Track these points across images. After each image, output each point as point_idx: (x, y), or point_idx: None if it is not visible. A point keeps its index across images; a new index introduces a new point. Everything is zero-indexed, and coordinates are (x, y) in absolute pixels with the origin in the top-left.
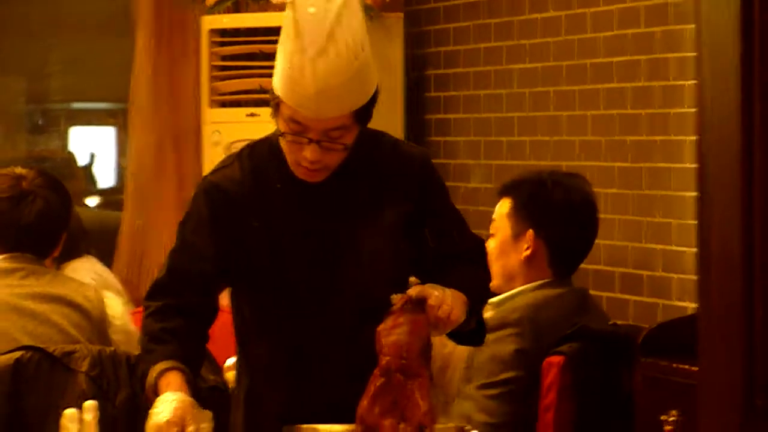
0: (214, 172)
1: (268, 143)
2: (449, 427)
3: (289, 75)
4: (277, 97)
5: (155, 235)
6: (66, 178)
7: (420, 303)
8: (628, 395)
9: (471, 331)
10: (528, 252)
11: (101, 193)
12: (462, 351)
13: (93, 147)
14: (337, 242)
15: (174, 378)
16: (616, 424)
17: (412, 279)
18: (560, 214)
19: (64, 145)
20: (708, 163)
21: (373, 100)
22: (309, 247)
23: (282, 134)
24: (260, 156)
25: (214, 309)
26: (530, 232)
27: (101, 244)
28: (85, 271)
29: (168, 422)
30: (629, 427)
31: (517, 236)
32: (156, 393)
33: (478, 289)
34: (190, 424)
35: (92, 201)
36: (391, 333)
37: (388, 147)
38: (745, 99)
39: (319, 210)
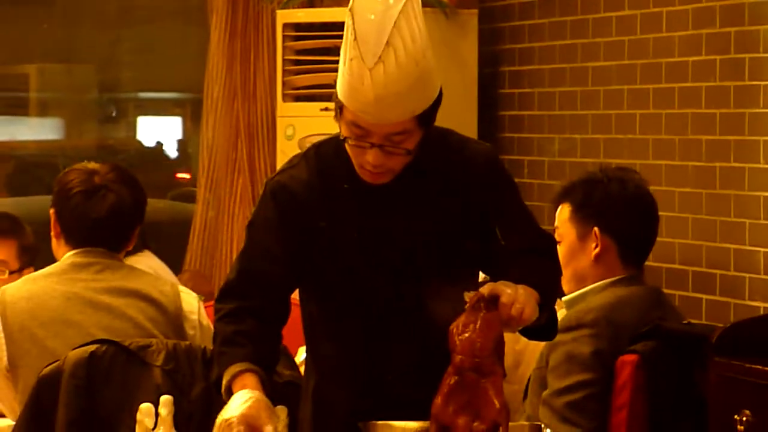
0: (281, 172)
1: (335, 143)
2: (524, 425)
3: (349, 81)
4: (340, 102)
5: (227, 228)
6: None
7: (493, 301)
8: (701, 395)
9: (542, 326)
10: (597, 250)
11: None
12: (534, 347)
13: (160, 137)
14: (404, 242)
15: (249, 380)
16: (689, 424)
17: (483, 277)
18: (621, 205)
19: (133, 134)
20: None
21: (437, 103)
22: (376, 247)
23: (345, 139)
24: (326, 156)
25: (286, 309)
26: (595, 229)
27: (172, 236)
28: (142, 266)
29: (238, 418)
30: (702, 426)
31: (582, 237)
32: (230, 396)
33: (548, 283)
34: (266, 423)
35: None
36: (464, 331)
37: (455, 146)
38: None
39: (387, 210)
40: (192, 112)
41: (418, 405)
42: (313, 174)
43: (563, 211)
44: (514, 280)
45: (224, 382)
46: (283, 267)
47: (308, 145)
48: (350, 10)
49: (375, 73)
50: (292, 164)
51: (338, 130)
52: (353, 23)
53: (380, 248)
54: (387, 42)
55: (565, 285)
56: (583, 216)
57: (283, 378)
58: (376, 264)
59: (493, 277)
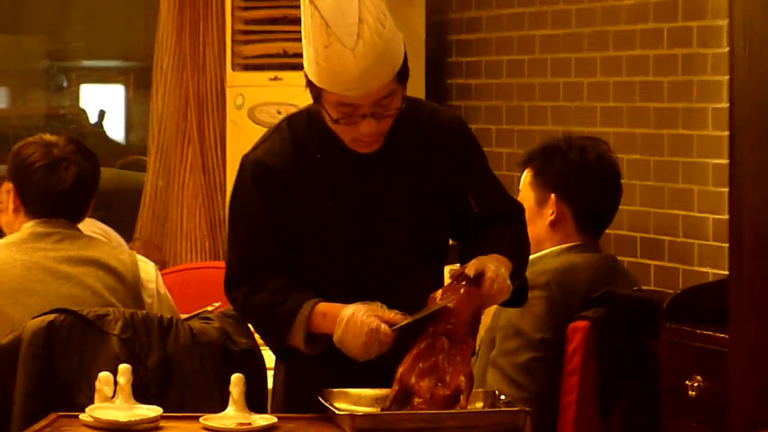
0: (255, 148)
1: (306, 114)
2: (477, 391)
3: (327, 66)
4: (318, 89)
5: (177, 197)
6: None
7: (476, 277)
8: (652, 360)
9: (514, 292)
10: (552, 216)
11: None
12: (488, 310)
13: (103, 105)
14: (377, 209)
15: (325, 306)
16: (640, 390)
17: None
18: (578, 175)
19: (76, 102)
20: (739, 132)
21: (405, 56)
22: (350, 216)
23: (336, 121)
24: (299, 128)
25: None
26: (552, 196)
27: (123, 204)
28: (90, 230)
29: (372, 320)
30: (653, 392)
31: (540, 203)
32: (314, 334)
33: (520, 251)
34: (387, 311)
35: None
36: (443, 299)
37: (426, 114)
38: None
39: (360, 179)
40: (136, 81)
41: (386, 374)
42: (287, 146)
43: (526, 176)
44: (487, 247)
45: (298, 331)
46: (274, 243)
47: (259, 115)
48: (309, 2)
49: (356, 50)
50: (264, 138)
51: (287, 99)
52: (319, 13)
53: (354, 216)
54: (359, 18)
55: None
56: (542, 182)
57: (240, 346)
58: (350, 232)
59: (464, 244)
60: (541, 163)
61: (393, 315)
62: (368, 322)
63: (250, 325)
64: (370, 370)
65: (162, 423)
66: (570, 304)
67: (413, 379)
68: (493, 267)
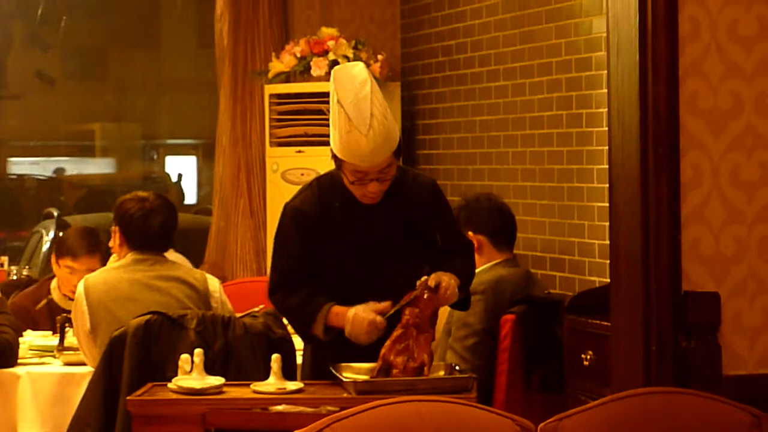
0: (294, 198)
1: (330, 176)
2: (440, 364)
3: (347, 145)
4: (340, 160)
5: (233, 234)
6: (162, 192)
7: (435, 287)
8: (559, 341)
9: (461, 301)
10: (476, 245)
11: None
12: (444, 310)
13: (181, 170)
14: (378, 244)
15: (336, 308)
16: (551, 361)
17: (426, 269)
18: (480, 211)
19: (162, 168)
20: (615, 184)
21: (400, 139)
22: (360, 248)
23: (352, 182)
24: (324, 186)
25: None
26: (470, 233)
27: (197, 239)
28: (172, 258)
29: (371, 317)
30: (560, 362)
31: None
32: (329, 327)
33: (467, 273)
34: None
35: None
36: (412, 303)
37: (408, 178)
38: (642, 142)
39: (367, 221)
40: (204, 153)
41: (376, 355)
42: (316, 198)
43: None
44: (445, 269)
45: (318, 328)
46: (305, 263)
47: (288, 176)
48: (338, 102)
49: (369, 135)
50: (301, 192)
51: (308, 165)
52: (344, 110)
53: (361, 247)
54: (371, 113)
55: None
56: (463, 224)
57: (277, 335)
58: (359, 260)
59: (433, 267)
60: (457, 216)
61: (383, 305)
62: (367, 317)
63: (285, 320)
64: (367, 352)
65: (224, 389)
66: (501, 304)
67: (392, 357)
68: (447, 279)
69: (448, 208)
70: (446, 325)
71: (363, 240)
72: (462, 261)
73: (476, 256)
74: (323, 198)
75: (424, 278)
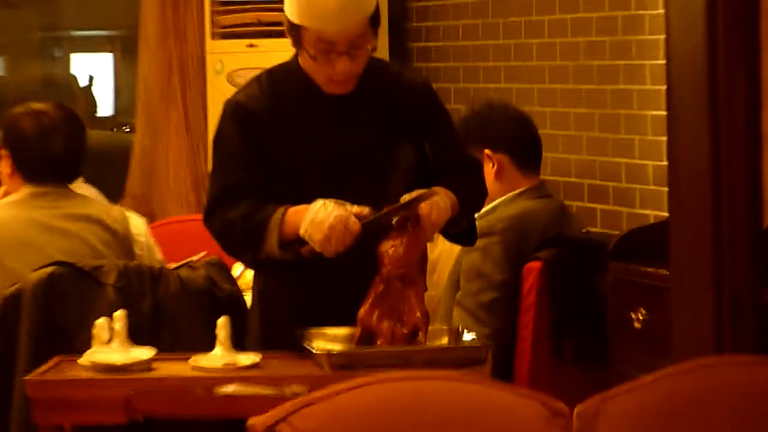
0: (237, 93)
1: (285, 67)
2: (443, 329)
3: (308, 4)
4: (298, 27)
5: (163, 155)
6: (67, 100)
7: (417, 219)
8: (600, 296)
9: (463, 232)
10: (495, 167)
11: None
12: (447, 256)
13: (92, 71)
14: (350, 154)
15: (299, 206)
16: (588, 322)
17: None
18: (496, 123)
19: (67, 69)
20: (675, 86)
21: (378, 6)
22: (324, 154)
23: (313, 57)
24: (277, 77)
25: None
26: (486, 151)
27: (114, 163)
28: (79, 190)
29: (339, 213)
30: (601, 324)
31: (484, 163)
32: (287, 241)
33: (471, 195)
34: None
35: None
36: (392, 246)
37: (392, 76)
38: (710, 29)
39: (333, 124)
40: (123, 49)
41: (352, 314)
42: (267, 92)
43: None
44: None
45: (275, 234)
46: (254, 174)
47: (237, 79)
48: None
49: None
50: (247, 85)
51: (263, 64)
52: None
53: (328, 158)
54: None
55: None
56: (473, 145)
57: (225, 292)
58: (323, 172)
59: (425, 187)
60: (465, 129)
61: (361, 209)
62: (337, 210)
63: (225, 246)
64: (340, 309)
65: (155, 364)
66: (525, 246)
67: (374, 322)
68: (428, 196)
69: (446, 114)
70: (452, 275)
71: (330, 148)
72: (462, 181)
73: (495, 181)
74: (276, 92)
75: (394, 206)
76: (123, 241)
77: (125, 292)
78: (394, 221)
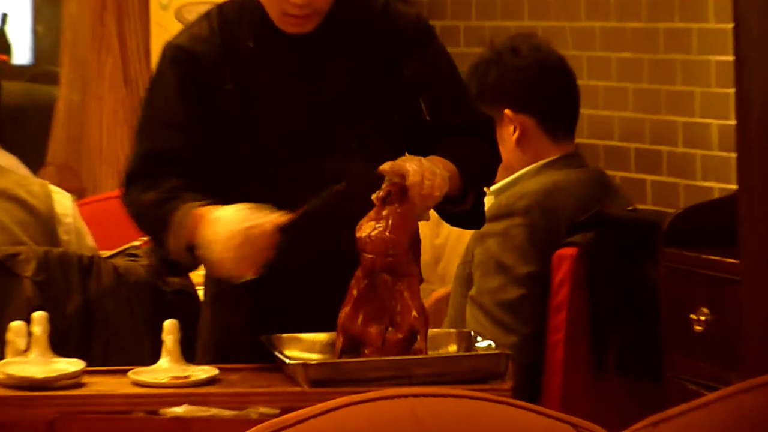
0: (180, 34)
1: (239, 2)
2: (450, 332)
3: None
4: None
5: (95, 113)
6: None
7: (403, 192)
8: (650, 291)
9: (468, 211)
10: (516, 133)
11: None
12: (456, 240)
13: (5, 8)
14: (320, 107)
15: (203, 207)
16: (637, 325)
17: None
18: (523, 77)
19: None
20: (746, 24)
21: None
22: (289, 114)
23: None
24: (230, 15)
25: (204, 185)
26: (506, 111)
27: (33, 123)
28: None
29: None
30: (653, 327)
31: (498, 124)
32: (194, 247)
33: (478, 162)
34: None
35: None
36: (374, 228)
37: (378, 7)
38: None
39: (299, 71)
40: None
41: (329, 314)
42: (215, 33)
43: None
44: (437, 155)
45: (180, 237)
46: (190, 138)
47: (187, 15)
48: None
49: None
50: (192, 25)
51: None
52: None
53: (293, 114)
54: None
55: None
56: (488, 102)
57: (172, 286)
58: (288, 135)
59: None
60: (476, 83)
61: (281, 216)
62: (246, 218)
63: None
64: (311, 308)
65: (85, 379)
66: (555, 229)
67: (359, 326)
68: (414, 165)
69: (444, 58)
70: (463, 266)
71: (295, 102)
72: (468, 144)
73: (516, 149)
74: (227, 33)
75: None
76: (45, 222)
77: (47, 287)
78: (374, 197)
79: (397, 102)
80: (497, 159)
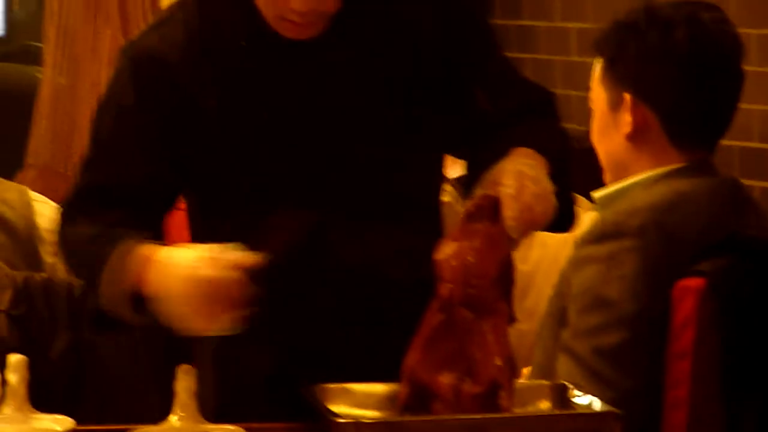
0: (145, 33)
1: None
2: (542, 384)
3: None
4: None
5: (88, 101)
6: None
7: (495, 209)
8: None
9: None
10: (630, 126)
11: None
12: (549, 267)
13: None
14: (331, 122)
15: (152, 246)
16: None
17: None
18: (662, 63)
19: None
20: None
21: None
22: (293, 132)
23: None
24: (214, 5)
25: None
26: (626, 96)
27: (9, 113)
28: None
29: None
30: None
31: (615, 106)
32: (131, 295)
33: (554, 150)
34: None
35: None
36: (456, 250)
37: None
38: None
39: (304, 77)
40: None
41: (367, 362)
42: (194, 31)
43: (596, 66)
44: (503, 151)
45: (115, 284)
46: (148, 174)
47: None
48: None
49: None
50: (161, 20)
51: None
52: None
53: (300, 133)
54: None
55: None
56: (615, 76)
57: None
58: (294, 156)
59: (472, 162)
60: (614, 47)
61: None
62: (207, 260)
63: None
64: (343, 354)
65: None
66: (676, 255)
67: (429, 374)
68: (514, 174)
69: (488, 33)
70: (555, 300)
71: (303, 119)
72: (540, 127)
73: (625, 147)
74: (209, 29)
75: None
76: (24, 240)
77: (27, 323)
78: (462, 210)
79: (431, 98)
80: (568, 139)
